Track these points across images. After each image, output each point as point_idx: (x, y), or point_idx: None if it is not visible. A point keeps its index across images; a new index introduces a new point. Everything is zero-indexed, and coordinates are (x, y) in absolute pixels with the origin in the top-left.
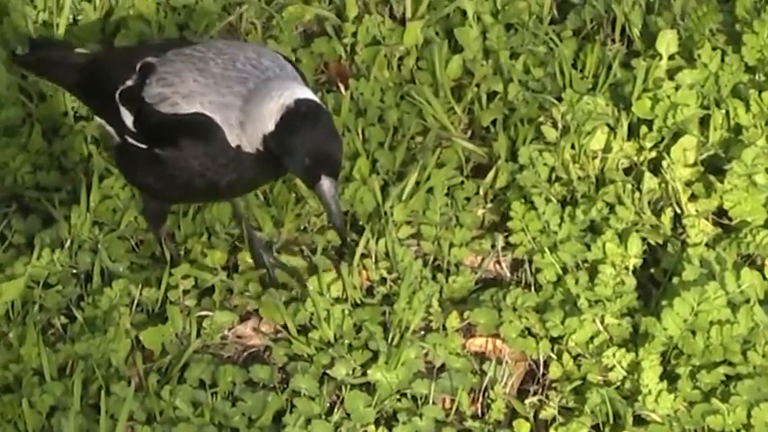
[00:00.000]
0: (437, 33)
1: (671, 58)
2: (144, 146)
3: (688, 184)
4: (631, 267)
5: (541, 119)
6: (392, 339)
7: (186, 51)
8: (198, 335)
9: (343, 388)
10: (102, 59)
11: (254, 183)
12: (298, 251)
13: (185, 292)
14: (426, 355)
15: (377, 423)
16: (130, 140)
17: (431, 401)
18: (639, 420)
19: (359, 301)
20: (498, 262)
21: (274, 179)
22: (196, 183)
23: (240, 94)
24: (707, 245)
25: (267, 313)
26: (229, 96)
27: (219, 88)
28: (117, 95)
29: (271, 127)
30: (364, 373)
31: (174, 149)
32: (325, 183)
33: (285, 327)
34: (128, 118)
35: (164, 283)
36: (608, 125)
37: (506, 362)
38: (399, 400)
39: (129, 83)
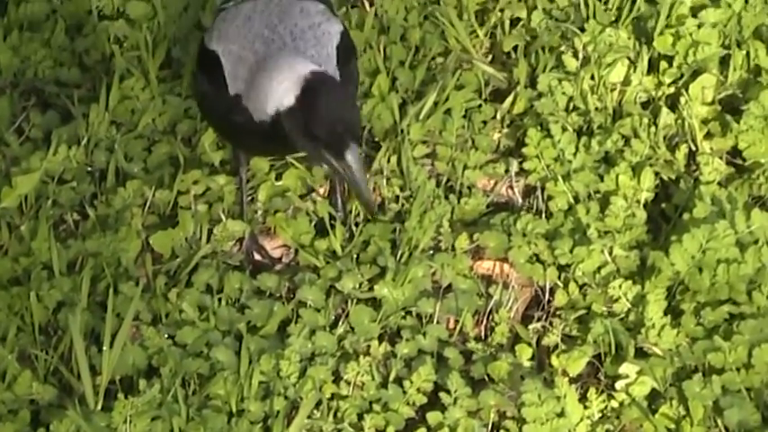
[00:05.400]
0: None
1: None
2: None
3: (704, 122)
4: (643, 201)
5: (563, 48)
6: (400, 257)
7: None
8: (208, 241)
9: (349, 302)
10: None
11: (262, 144)
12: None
13: (197, 197)
14: (434, 274)
15: (380, 338)
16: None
17: (435, 321)
18: (641, 353)
19: (369, 217)
20: (511, 187)
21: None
22: (214, 123)
23: (257, 53)
24: (719, 183)
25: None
26: (247, 52)
27: (245, 41)
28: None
29: (290, 101)
30: (371, 289)
31: (192, 82)
32: (354, 148)
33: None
34: None
35: (175, 187)
36: (628, 58)
37: (512, 287)
38: (404, 317)
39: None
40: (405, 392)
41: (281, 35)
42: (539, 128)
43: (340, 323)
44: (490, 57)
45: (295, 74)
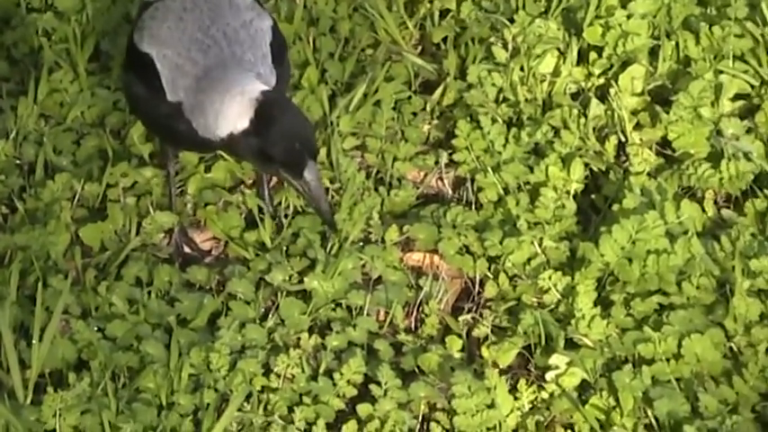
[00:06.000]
0: None
1: None
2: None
3: (634, 112)
4: (572, 192)
5: (492, 39)
6: (330, 249)
7: None
8: (137, 233)
9: (279, 294)
10: None
11: (198, 147)
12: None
13: (125, 189)
14: (364, 266)
15: (310, 331)
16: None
17: (365, 313)
18: (571, 344)
19: (299, 209)
20: (441, 179)
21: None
22: (148, 124)
23: (196, 63)
24: (649, 174)
25: (208, 216)
26: (184, 60)
27: (180, 46)
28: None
29: (244, 125)
30: (301, 281)
31: (123, 80)
32: (312, 165)
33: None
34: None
35: (104, 180)
36: (558, 49)
37: (443, 278)
38: (334, 309)
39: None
40: (335, 385)
41: (216, 39)
42: (468, 119)
43: (270, 316)
44: (420, 48)
45: (246, 97)
